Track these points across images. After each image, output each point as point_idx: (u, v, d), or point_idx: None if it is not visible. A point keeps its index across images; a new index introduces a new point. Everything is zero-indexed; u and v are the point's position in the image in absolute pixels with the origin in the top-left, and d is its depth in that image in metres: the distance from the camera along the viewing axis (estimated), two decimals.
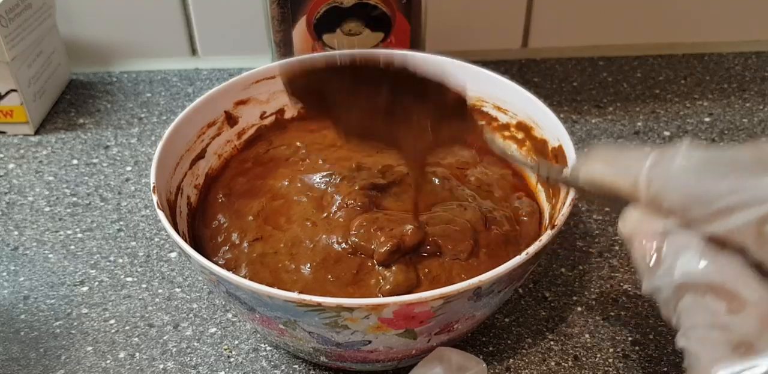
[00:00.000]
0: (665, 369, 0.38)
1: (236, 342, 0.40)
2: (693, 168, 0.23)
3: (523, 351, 0.39)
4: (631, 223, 0.25)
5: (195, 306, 0.42)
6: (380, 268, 0.35)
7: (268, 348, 0.40)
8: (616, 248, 0.45)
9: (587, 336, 0.40)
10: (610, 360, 0.38)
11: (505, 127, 0.44)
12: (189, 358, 0.39)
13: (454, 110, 0.34)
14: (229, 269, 0.33)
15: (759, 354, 0.20)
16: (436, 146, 0.35)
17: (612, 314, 0.41)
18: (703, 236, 0.23)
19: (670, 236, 0.23)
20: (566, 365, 0.38)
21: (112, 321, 0.41)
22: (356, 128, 0.35)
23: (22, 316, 0.42)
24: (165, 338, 0.40)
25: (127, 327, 0.41)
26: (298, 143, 0.44)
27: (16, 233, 0.47)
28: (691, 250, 0.23)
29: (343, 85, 0.34)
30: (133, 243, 0.47)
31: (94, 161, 0.54)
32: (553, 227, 0.33)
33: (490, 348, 0.39)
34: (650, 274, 0.23)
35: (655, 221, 0.24)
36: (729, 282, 0.22)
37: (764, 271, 0.22)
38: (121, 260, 0.45)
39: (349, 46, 0.50)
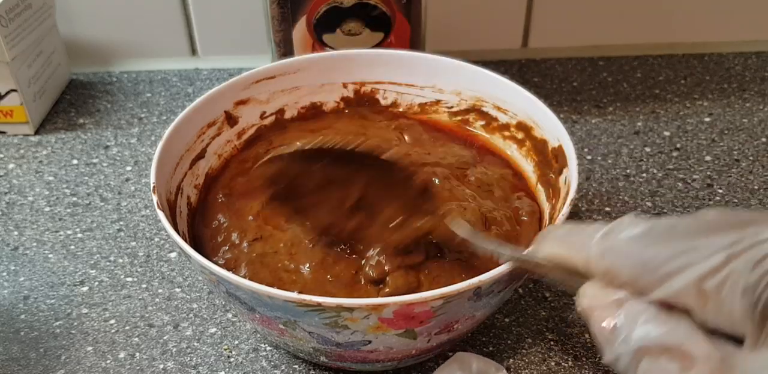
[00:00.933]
0: None
1: (236, 342, 0.40)
2: (636, 240, 0.24)
3: (523, 351, 0.39)
4: (588, 298, 0.26)
5: (195, 306, 0.42)
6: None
7: (268, 348, 0.40)
8: None
9: (587, 336, 0.40)
10: None
11: (505, 127, 0.44)
12: (189, 358, 0.39)
13: (420, 197, 0.34)
14: (228, 269, 0.33)
15: None
16: (405, 241, 0.35)
17: None
18: (653, 302, 0.24)
19: (626, 305, 0.24)
20: (566, 365, 0.38)
21: (112, 321, 0.41)
22: (325, 225, 0.35)
23: (22, 316, 0.42)
24: (165, 338, 0.40)
25: (127, 327, 0.41)
26: (298, 143, 0.43)
27: (16, 233, 0.47)
28: (644, 316, 0.24)
29: (312, 178, 0.34)
30: (133, 243, 0.47)
31: (94, 161, 0.54)
32: None
33: (490, 348, 0.39)
34: (610, 344, 0.24)
35: (610, 293, 0.25)
36: (679, 342, 0.23)
37: (709, 329, 0.23)
38: (121, 260, 0.45)
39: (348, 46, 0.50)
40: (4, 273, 0.44)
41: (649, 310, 0.24)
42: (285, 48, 0.50)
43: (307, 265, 0.35)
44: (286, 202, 0.35)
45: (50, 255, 0.46)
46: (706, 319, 0.22)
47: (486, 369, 0.33)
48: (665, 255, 0.23)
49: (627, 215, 0.26)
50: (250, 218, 0.38)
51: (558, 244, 0.28)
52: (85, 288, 0.43)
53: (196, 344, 0.40)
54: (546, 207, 0.40)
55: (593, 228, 0.26)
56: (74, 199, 0.50)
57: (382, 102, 0.47)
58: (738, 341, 0.22)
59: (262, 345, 0.40)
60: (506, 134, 0.44)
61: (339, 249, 0.36)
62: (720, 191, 0.50)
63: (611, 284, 0.25)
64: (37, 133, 0.57)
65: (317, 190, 0.35)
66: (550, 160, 0.40)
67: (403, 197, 0.34)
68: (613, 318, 0.24)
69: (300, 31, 0.49)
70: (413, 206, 0.34)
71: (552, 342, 0.39)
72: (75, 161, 0.54)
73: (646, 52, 0.65)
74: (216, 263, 0.33)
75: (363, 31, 0.50)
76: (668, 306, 0.23)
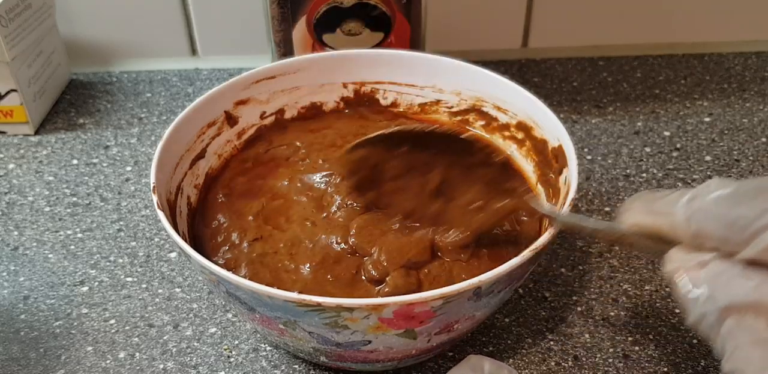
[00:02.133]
0: (665, 369, 0.38)
1: (236, 342, 0.40)
2: (724, 200, 0.24)
3: (523, 351, 0.39)
4: (674, 261, 0.26)
5: (195, 306, 0.42)
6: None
7: (268, 348, 0.40)
8: (616, 248, 0.45)
9: (587, 336, 0.40)
10: (610, 360, 0.38)
11: (505, 127, 0.44)
12: (189, 358, 0.39)
13: (501, 176, 0.35)
14: (228, 269, 0.33)
15: None
16: (487, 223, 0.35)
17: (612, 314, 0.41)
18: (742, 262, 0.24)
19: (709, 265, 0.24)
20: (566, 365, 0.38)
21: (112, 321, 0.41)
22: (407, 211, 0.36)
23: (22, 316, 0.42)
24: (165, 338, 0.40)
25: (127, 327, 0.41)
26: (298, 143, 0.44)
27: (16, 233, 0.47)
28: (730, 274, 0.24)
29: (396, 163, 0.35)
30: (133, 243, 0.47)
31: (94, 161, 0.54)
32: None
33: (490, 348, 0.39)
34: (694, 304, 0.24)
35: (697, 255, 0.25)
36: (765, 295, 0.23)
37: None
38: (121, 260, 0.45)
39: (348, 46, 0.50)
40: (4, 273, 0.44)
41: (734, 268, 0.24)
42: (285, 48, 0.50)
43: (307, 265, 0.35)
44: (369, 189, 0.36)
45: (50, 255, 0.46)
46: None
47: (498, 372, 0.33)
48: (754, 213, 0.23)
49: (713, 178, 0.25)
50: (250, 218, 0.38)
51: (643, 212, 0.27)
52: (85, 288, 0.43)
53: (196, 344, 0.40)
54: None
55: (678, 194, 0.26)
56: (74, 199, 0.50)
57: (382, 102, 0.47)
58: None
59: (262, 345, 0.40)
60: (506, 134, 0.44)
61: (407, 232, 0.36)
62: None
63: (701, 248, 0.25)
64: (37, 133, 0.57)
65: (399, 176, 0.35)
66: (550, 160, 0.40)
67: (483, 177, 0.35)
68: (698, 277, 0.24)
69: (300, 31, 0.49)
70: (494, 186, 0.35)
71: (552, 342, 0.39)
72: (75, 161, 0.54)
73: (646, 52, 0.65)
74: (216, 263, 0.33)
75: (363, 31, 0.50)
76: (757, 266, 0.23)
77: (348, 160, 0.36)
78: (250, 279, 0.32)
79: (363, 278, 0.35)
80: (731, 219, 0.24)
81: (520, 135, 0.43)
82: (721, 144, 0.54)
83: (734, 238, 0.24)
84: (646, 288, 0.43)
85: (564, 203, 0.35)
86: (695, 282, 0.24)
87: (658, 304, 0.41)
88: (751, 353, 0.22)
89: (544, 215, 0.33)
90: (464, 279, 0.30)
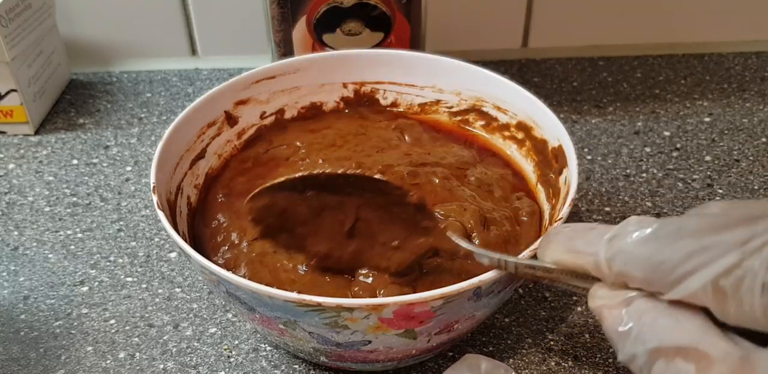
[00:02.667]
0: None
1: (236, 342, 0.40)
2: (646, 241, 0.24)
3: (523, 351, 0.39)
4: (599, 298, 0.26)
5: (195, 306, 0.42)
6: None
7: (268, 348, 0.40)
8: None
9: (587, 336, 0.40)
10: (610, 360, 0.38)
11: (505, 127, 0.44)
12: (189, 358, 0.39)
13: (417, 214, 0.34)
14: (228, 269, 0.33)
15: None
16: (408, 260, 0.34)
17: None
18: (667, 301, 0.23)
19: (635, 304, 0.24)
20: (566, 365, 0.38)
21: (112, 321, 0.41)
22: (323, 253, 0.35)
23: (22, 316, 0.42)
24: (165, 338, 0.40)
25: (127, 327, 0.41)
26: (298, 143, 0.44)
27: (16, 233, 0.47)
28: (656, 313, 0.23)
29: (306, 206, 0.34)
30: (133, 243, 0.47)
31: (94, 161, 0.54)
32: None
33: (490, 348, 0.39)
34: (623, 342, 0.24)
35: (621, 292, 0.25)
36: (694, 342, 0.22)
37: (728, 327, 0.22)
38: (121, 260, 0.45)
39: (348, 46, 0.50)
40: (4, 273, 0.44)
41: (659, 308, 0.23)
42: (285, 48, 0.50)
43: (306, 265, 0.35)
44: (279, 235, 0.35)
45: (50, 255, 0.46)
46: (727, 317, 0.22)
47: (495, 371, 0.33)
48: (677, 257, 0.22)
49: (631, 217, 0.25)
50: (250, 218, 0.38)
51: (563, 249, 0.27)
52: (85, 288, 0.43)
53: (196, 344, 0.40)
54: (546, 207, 0.40)
55: (598, 231, 0.26)
56: (74, 199, 0.50)
57: (382, 102, 0.47)
58: (762, 336, 0.22)
59: (262, 345, 0.40)
60: (506, 134, 0.44)
61: (338, 275, 0.35)
62: (720, 191, 0.50)
63: (624, 286, 0.25)
64: (37, 133, 0.57)
65: (310, 219, 0.34)
66: (550, 160, 0.40)
67: (400, 216, 0.34)
68: (623, 316, 0.24)
69: (300, 31, 0.49)
70: (412, 224, 0.34)
71: (552, 342, 0.39)
72: (75, 161, 0.54)
73: (646, 52, 0.65)
74: (216, 263, 0.33)
75: (363, 31, 0.50)
76: (683, 305, 0.23)
77: (251, 208, 0.34)
78: (250, 279, 0.32)
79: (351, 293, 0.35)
80: (654, 263, 0.23)
81: (520, 135, 0.43)
82: (721, 144, 0.54)
83: (658, 281, 0.23)
84: None
85: (564, 203, 0.35)
86: (620, 320, 0.24)
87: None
88: None
89: (465, 250, 0.33)
90: (464, 279, 0.30)
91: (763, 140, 0.55)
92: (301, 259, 0.35)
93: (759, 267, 0.21)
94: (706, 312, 0.23)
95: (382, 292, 0.34)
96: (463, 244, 0.33)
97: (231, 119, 0.43)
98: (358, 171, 0.34)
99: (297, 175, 0.33)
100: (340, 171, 0.34)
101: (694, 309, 0.23)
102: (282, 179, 0.33)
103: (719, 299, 0.22)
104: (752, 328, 0.22)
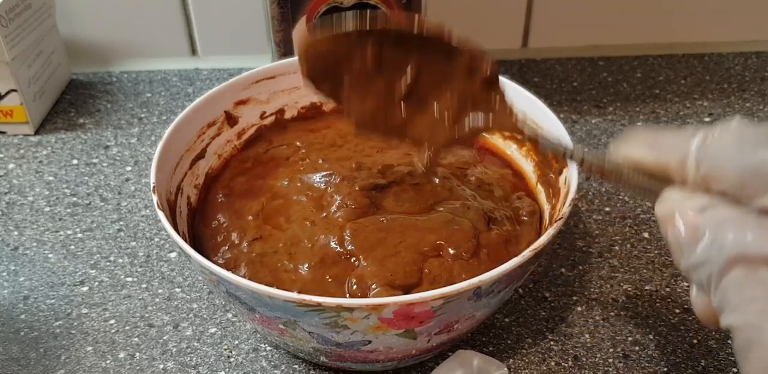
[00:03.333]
0: (665, 369, 0.38)
1: (236, 342, 0.40)
2: (746, 142, 0.22)
3: (523, 351, 0.39)
4: (670, 202, 0.23)
5: (195, 306, 0.42)
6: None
7: (268, 348, 0.40)
8: (616, 248, 0.45)
9: (587, 336, 0.40)
10: (610, 360, 0.38)
11: None
12: (189, 358, 0.39)
13: (483, 91, 0.31)
14: (228, 269, 0.33)
15: None
16: (458, 141, 0.32)
17: (612, 314, 0.41)
18: (756, 210, 0.22)
19: (713, 210, 0.22)
20: (566, 365, 0.38)
21: (112, 321, 0.41)
22: (369, 116, 0.31)
23: (22, 316, 0.42)
24: (165, 338, 0.40)
25: (127, 327, 0.41)
26: (297, 143, 0.44)
27: (16, 233, 0.47)
28: (743, 222, 0.21)
29: (363, 60, 0.30)
30: (133, 243, 0.47)
31: (94, 161, 0.54)
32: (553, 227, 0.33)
33: (490, 348, 0.39)
34: (692, 247, 0.22)
35: (698, 197, 0.23)
36: None
37: None
38: (121, 260, 0.45)
39: None
40: (4, 273, 0.44)
41: (748, 216, 0.21)
42: (285, 48, 0.50)
43: (306, 265, 0.35)
44: (323, 81, 0.31)
45: (50, 255, 0.46)
46: None
47: (487, 367, 0.33)
48: None
49: (733, 118, 0.23)
50: (250, 217, 0.38)
51: (644, 146, 0.25)
52: (85, 288, 0.43)
53: (196, 344, 0.40)
54: (546, 207, 0.40)
55: (689, 131, 0.24)
56: (74, 199, 0.50)
57: None
58: None
59: (262, 345, 0.40)
60: (506, 134, 0.44)
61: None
62: None
63: (707, 191, 0.23)
64: (37, 133, 0.57)
65: (363, 72, 0.30)
66: (550, 160, 0.40)
67: (465, 89, 0.30)
68: (699, 221, 0.22)
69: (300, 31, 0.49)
70: (474, 96, 0.31)
71: (552, 342, 0.39)
72: (75, 161, 0.54)
73: (646, 52, 0.65)
74: (216, 263, 0.33)
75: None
76: None
77: (309, 52, 0.30)
78: (250, 279, 0.32)
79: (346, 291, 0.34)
80: (752, 163, 0.21)
81: (520, 135, 0.43)
82: None
83: (753, 184, 0.21)
84: (646, 288, 0.43)
85: (564, 203, 0.35)
86: (695, 224, 0.22)
87: (658, 304, 0.41)
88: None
89: (528, 136, 0.30)
90: (464, 279, 0.30)
91: None
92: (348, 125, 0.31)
93: None
94: None
95: (373, 286, 0.34)
96: (530, 130, 0.30)
97: (231, 119, 0.43)
98: (437, 31, 0.30)
99: (368, 27, 0.29)
100: (415, 29, 0.29)
101: None
102: (349, 29, 0.29)
103: None
104: None
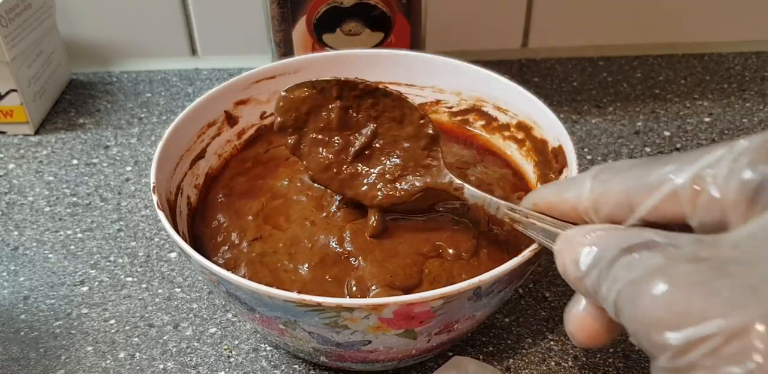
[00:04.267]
0: None
1: (236, 342, 0.40)
2: (632, 165, 0.25)
3: (523, 351, 0.39)
4: (566, 235, 0.26)
5: (195, 306, 0.42)
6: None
7: (268, 348, 0.40)
8: None
9: None
10: (610, 360, 0.38)
11: (505, 127, 0.44)
12: (189, 358, 0.39)
13: (425, 150, 0.35)
14: (228, 269, 0.33)
15: (710, 260, 0.21)
16: (399, 200, 0.35)
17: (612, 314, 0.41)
18: (638, 220, 0.25)
19: (598, 231, 0.25)
20: (566, 365, 0.38)
21: (112, 321, 0.41)
22: (324, 170, 0.36)
23: (22, 316, 0.42)
24: (165, 338, 0.40)
25: (127, 327, 0.41)
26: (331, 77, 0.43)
27: (16, 233, 0.47)
28: (621, 230, 0.24)
29: (327, 115, 0.35)
30: (133, 243, 0.47)
31: (94, 161, 0.54)
32: None
33: (490, 348, 0.39)
34: (580, 262, 0.24)
35: (587, 227, 0.26)
36: (660, 236, 0.23)
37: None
38: (121, 260, 0.45)
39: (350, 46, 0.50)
40: (4, 273, 0.44)
41: (628, 226, 0.25)
42: (285, 48, 0.50)
43: (306, 265, 0.35)
44: (292, 134, 0.36)
45: (50, 255, 0.46)
46: (694, 213, 0.23)
47: (482, 372, 0.33)
48: (659, 167, 0.24)
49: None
50: (250, 217, 0.38)
51: (551, 191, 0.29)
52: (85, 288, 0.43)
53: (196, 344, 0.40)
54: None
55: (584, 173, 0.27)
56: (74, 199, 0.50)
57: None
58: None
59: (262, 345, 0.40)
60: (506, 134, 0.44)
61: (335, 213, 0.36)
62: None
63: (598, 217, 0.26)
64: (37, 133, 0.57)
65: (326, 129, 0.35)
66: (550, 160, 0.40)
67: (409, 151, 0.35)
68: (584, 241, 0.25)
69: (300, 31, 0.49)
70: (416, 160, 0.35)
71: (552, 342, 0.39)
72: (75, 161, 0.54)
73: (646, 52, 0.65)
74: (216, 263, 0.33)
75: (363, 31, 0.50)
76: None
77: (288, 97, 0.35)
78: (250, 279, 0.32)
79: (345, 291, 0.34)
80: (636, 177, 0.24)
81: (520, 135, 0.43)
82: None
83: (637, 196, 0.24)
84: None
85: None
86: (584, 242, 0.25)
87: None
88: (650, 263, 0.22)
89: (456, 186, 0.34)
90: (464, 279, 0.30)
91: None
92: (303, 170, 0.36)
93: (742, 156, 0.22)
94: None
95: (373, 288, 0.34)
96: (457, 180, 0.34)
97: (231, 119, 0.43)
98: (395, 91, 0.34)
99: (341, 78, 0.34)
100: (378, 85, 0.34)
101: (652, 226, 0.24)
102: (326, 78, 0.34)
103: (694, 193, 0.23)
104: (721, 219, 0.23)
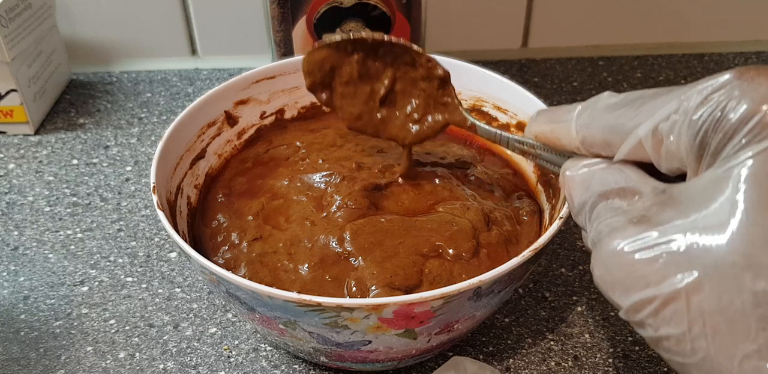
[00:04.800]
0: (665, 369, 0.38)
1: (236, 342, 0.40)
2: (610, 106, 0.27)
3: (523, 351, 0.39)
4: (567, 168, 0.28)
5: (195, 306, 0.42)
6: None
7: (268, 348, 0.40)
8: None
9: (587, 336, 0.40)
10: (610, 360, 0.38)
11: (505, 127, 0.44)
12: (189, 358, 0.39)
13: (439, 90, 0.38)
14: (228, 269, 0.33)
15: (652, 222, 0.23)
16: (424, 136, 0.38)
17: (612, 314, 0.41)
18: (620, 162, 0.26)
19: (587, 167, 0.27)
20: (566, 365, 0.38)
21: (112, 321, 0.41)
22: (357, 118, 0.39)
23: (22, 316, 0.42)
24: (165, 338, 0.40)
25: (127, 327, 0.41)
26: (297, 143, 0.44)
27: (16, 233, 0.47)
28: (606, 169, 0.27)
29: (349, 69, 0.38)
30: (133, 243, 0.47)
31: (94, 161, 0.54)
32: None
33: (490, 348, 0.39)
34: (579, 195, 0.27)
35: (581, 161, 0.28)
36: (631, 184, 0.25)
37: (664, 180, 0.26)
38: (121, 260, 0.45)
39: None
40: (4, 273, 0.44)
41: (612, 166, 0.26)
42: (285, 48, 0.50)
43: (306, 265, 0.35)
44: (322, 91, 0.38)
45: (50, 255, 0.46)
46: (660, 162, 0.25)
47: (482, 372, 0.33)
48: (631, 114, 0.25)
49: (605, 92, 0.28)
50: (250, 217, 0.38)
51: (545, 120, 0.30)
52: (85, 288, 0.43)
53: (196, 344, 0.40)
54: (546, 207, 0.40)
55: (574, 104, 0.29)
56: (74, 199, 0.50)
57: None
58: None
59: (262, 345, 0.40)
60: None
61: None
62: None
63: (589, 152, 0.28)
64: (37, 133, 0.57)
65: (351, 81, 0.38)
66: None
67: (425, 91, 0.38)
68: (575, 176, 0.27)
69: (300, 31, 0.49)
70: (433, 99, 0.38)
71: (552, 342, 0.39)
72: (75, 161, 0.54)
73: (646, 52, 0.65)
74: (216, 262, 0.33)
75: (363, 31, 0.50)
76: (628, 163, 0.26)
77: (309, 60, 0.37)
78: (250, 279, 0.32)
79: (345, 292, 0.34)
80: (613, 122, 0.26)
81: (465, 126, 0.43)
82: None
83: (615, 138, 0.26)
84: None
85: (564, 203, 0.35)
86: (574, 179, 0.28)
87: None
88: (610, 220, 0.25)
89: (471, 122, 0.37)
90: (465, 279, 0.30)
91: None
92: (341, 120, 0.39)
93: (690, 108, 0.23)
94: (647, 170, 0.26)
95: (373, 288, 0.34)
96: (470, 118, 0.37)
97: (231, 119, 0.43)
98: (401, 40, 0.37)
99: (352, 37, 0.37)
100: (385, 38, 0.37)
101: (637, 165, 0.26)
102: (338, 39, 0.37)
103: (657, 143, 0.24)
104: (680, 168, 0.24)
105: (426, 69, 0.37)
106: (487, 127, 0.36)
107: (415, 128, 0.38)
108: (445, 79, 0.37)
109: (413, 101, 0.38)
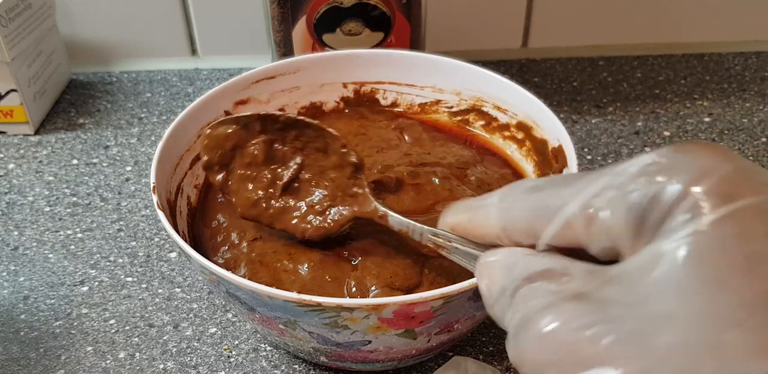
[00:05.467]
0: None
1: (236, 342, 0.40)
2: (533, 189, 0.25)
3: None
4: (484, 257, 0.26)
5: (195, 306, 0.42)
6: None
7: (268, 348, 0.40)
8: None
9: None
10: None
11: (505, 127, 0.44)
12: (189, 358, 0.39)
13: (351, 179, 0.35)
14: (228, 269, 0.33)
15: (592, 299, 0.21)
16: (329, 231, 0.35)
17: None
18: (544, 246, 0.24)
19: (516, 252, 0.25)
20: None
21: (112, 321, 0.41)
22: (252, 203, 0.35)
23: (22, 316, 0.42)
24: (165, 338, 0.40)
25: (127, 327, 0.41)
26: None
27: (16, 233, 0.47)
28: (525, 256, 0.24)
29: (253, 150, 0.35)
30: (133, 243, 0.47)
31: (94, 161, 0.54)
32: None
33: (490, 348, 0.39)
34: (489, 288, 0.25)
35: (500, 251, 0.25)
36: (560, 264, 0.23)
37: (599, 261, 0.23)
38: (121, 260, 0.45)
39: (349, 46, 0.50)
40: (4, 273, 0.44)
41: (530, 253, 0.25)
42: (285, 48, 0.50)
43: (306, 265, 0.35)
44: (219, 171, 0.35)
45: (50, 255, 0.46)
46: (592, 241, 0.23)
47: (482, 372, 0.33)
48: (557, 194, 0.24)
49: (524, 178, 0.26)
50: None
51: (462, 210, 0.28)
52: (85, 288, 0.43)
53: (196, 344, 0.40)
54: None
55: (492, 192, 0.27)
56: (74, 199, 0.50)
57: (382, 102, 0.47)
58: None
59: (262, 345, 0.40)
60: (506, 134, 0.44)
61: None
62: None
63: (511, 241, 0.26)
64: (37, 133, 0.57)
65: (253, 163, 0.35)
66: (550, 160, 0.40)
67: (335, 181, 0.35)
68: (495, 264, 0.25)
69: (300, 31, 0.49)
70: (343, 189, 0.35)
71: None
72: (75, 161, 0.54)
73: (646, 52, 0.65)
74: (216, 263, 0.33)
75: (363, 31, 0.50)
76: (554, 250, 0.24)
77: (211, 135, 0.35)
78: (250, 279, 0.32)
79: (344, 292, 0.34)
80: (536, 204, 0.24)
81: (520, 135, 0.43)
82: (721, 144, 0.54)
83: (539, 224, 0.24)
84: None
85: None
86: (492, 268, 0.25)
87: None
88: (540, 300, 0.22)
89: (381, 213, 0.34)
90: (464, 279, 0.30)
91: (763, 140, 0.55)
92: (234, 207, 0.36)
93: (625, 182, 0.22)
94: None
95: (373, 288, 0.34)
96: (381, 208, 0.34)
97: None
98: (315, 122, 0.34)
99: (262, 113, 0.34)
100: (298, 117, 0.34)
101: (564, 253, 0.24)
102: (247, 113, 0.34)
103: (587, 221, 0.23)
104: (615, 248, 0.22)
105: (339, 156, 0.35)
106: (399, 218, 0.33)
107: (317, 220, 0.35)
108: (358, 167, 0.35)
109: (319, 191, 0.35)
